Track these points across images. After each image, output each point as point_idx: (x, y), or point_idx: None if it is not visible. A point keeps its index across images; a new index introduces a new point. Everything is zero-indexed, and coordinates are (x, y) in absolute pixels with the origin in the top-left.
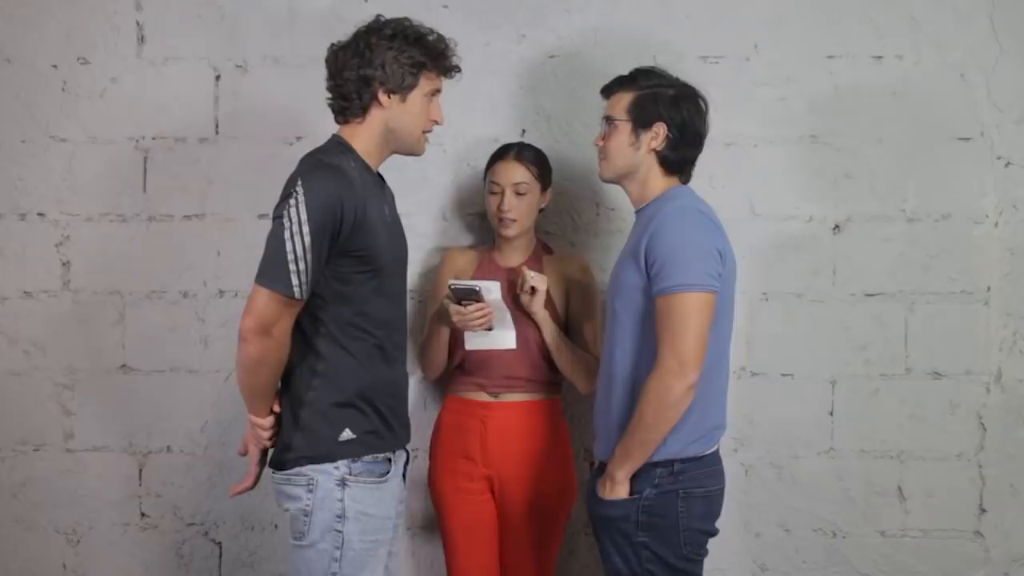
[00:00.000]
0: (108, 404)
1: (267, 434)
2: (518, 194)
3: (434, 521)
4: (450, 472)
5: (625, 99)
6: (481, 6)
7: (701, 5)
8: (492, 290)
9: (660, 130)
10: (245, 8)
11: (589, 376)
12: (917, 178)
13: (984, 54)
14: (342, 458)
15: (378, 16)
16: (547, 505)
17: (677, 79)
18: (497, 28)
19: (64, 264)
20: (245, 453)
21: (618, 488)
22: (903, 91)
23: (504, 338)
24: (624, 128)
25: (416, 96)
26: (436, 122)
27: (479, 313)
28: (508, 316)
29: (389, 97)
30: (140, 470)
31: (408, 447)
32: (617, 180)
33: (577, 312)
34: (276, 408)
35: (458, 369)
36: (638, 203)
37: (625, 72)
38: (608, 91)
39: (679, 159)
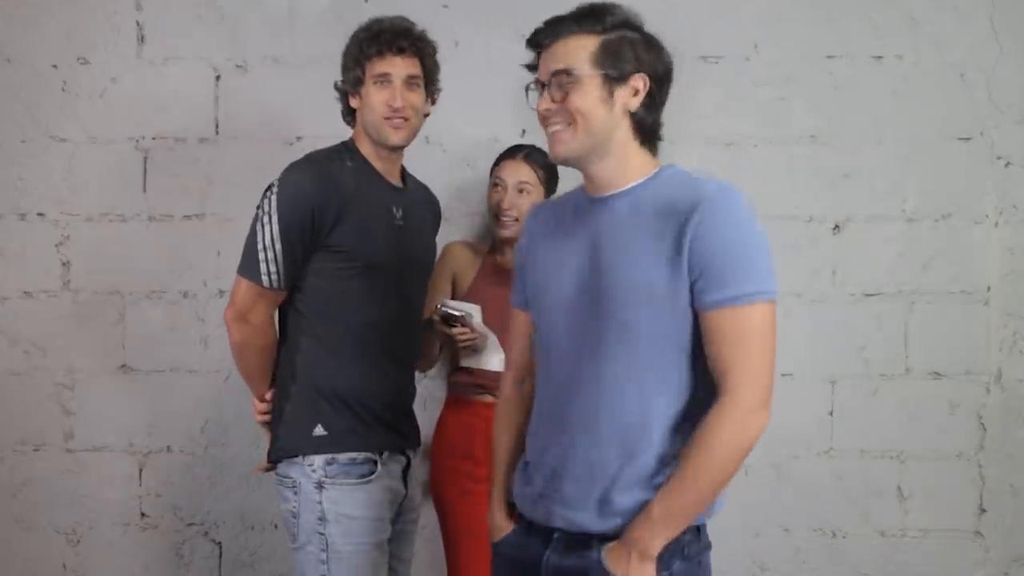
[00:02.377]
0: (108, 404)
1: (260, 418)
2: (520, 192)
3: (434, 521)
4: (452, 473)
5: (587, 45)
6: (481, 6)
7: (701, 5)
8: (474, 314)
9: (640, 84)
10: (245, 8)
11: None
12: (917, 178)
13: (984, 54)
14: (314, 453)
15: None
16: None
17: (639, 21)
18: (497, 28)
19: (64, 264)
20: None
21: (645, 568)
22: (903, 91)
23: (490, 361)
24: (592, 82)
25: (368, 87)
26: (391, 106)
27: (464, 337)
28: (493, 339)
29: (355, 97)
30: (140, 470)
31: (417, 452)
32: (586, 156)
33: None
34: (268, 396)
35: (461, 370)
36: (610, 185)
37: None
38: (550, 35)
39: (652, 125)
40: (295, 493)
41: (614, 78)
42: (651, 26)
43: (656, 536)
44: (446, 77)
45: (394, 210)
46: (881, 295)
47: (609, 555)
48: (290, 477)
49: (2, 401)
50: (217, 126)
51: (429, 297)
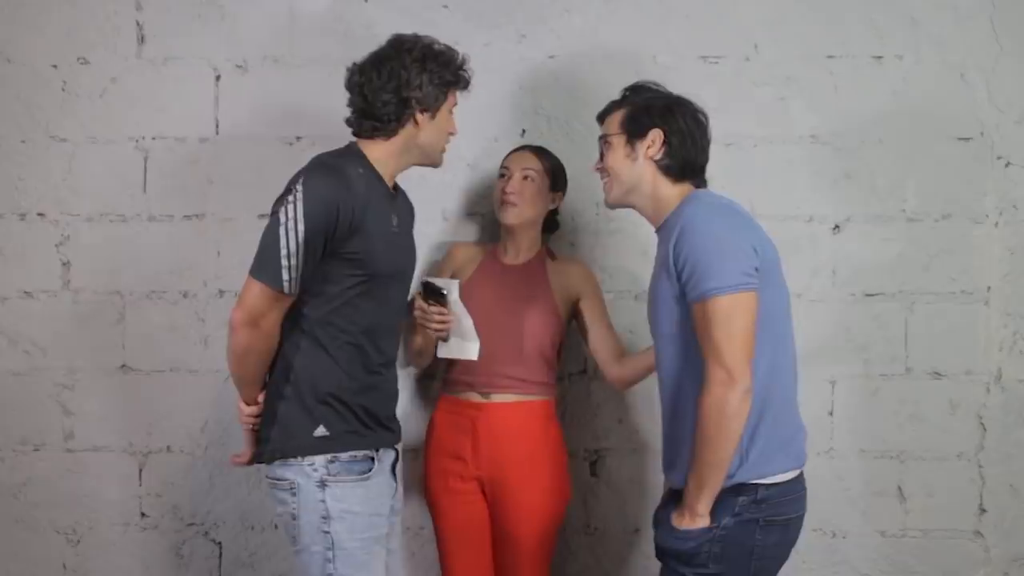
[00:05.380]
0: (108, 404)
1: (250, 422)
2: (525, 179)
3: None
4: (441, 472)
5: (618, 116)
6: (481, 6)
7: (701, 5)
8: (451, 290)
9: (656, 136)
10: (245, 8)
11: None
12: (917, 178)
13: (984, 54)
14: (316, 454)
15: (397, 36)
16: (539, 506)
17: (670, 92)
18: (497, 28)
19: (64, 264)
20: None
21: (699, 520)
22: (903, 91)
23: (465, 348)
24: (619, 142)
25: (443, 112)
26: (452, 133)
27: (439, 317)
28: (469, 325)
29: (423, 115)
30: (140, 470)
31: (401, 446)
32: (625, 200)
33: (593, 318)
34: (260, 399)
35: (452, 368)
36: (656, 220)
37: (625, 72)
38: (602, 116)
39: (682, 165)
40: (293, 495)
41: (634, 135)
42: (651, 26)
43: (697, 500)
44: None
45: (391, 217)
46: (881, 295)
47: (674, 512)
48: (286, 479)
49: (2, 401)
50: (217, 126)
51: None
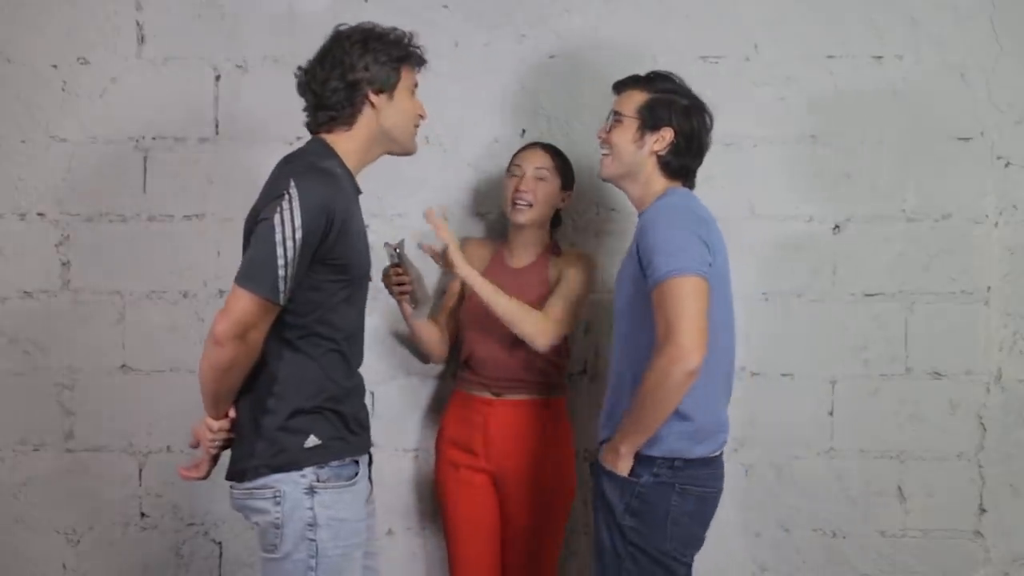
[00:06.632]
0: (108, 404)
1: (220, 437)
2: (538, 179)
3: (435, 521)
4: (453, 465)
5: (638, 98)
6: (481, 6)
7: (701, 5)
8: (401, 246)
9: (667, 135)
10: (245, 8)
11: (527, 322)
12: (917, 178)
13: (984, 54)
14: (308, 464)
15: (338, 26)
16: (546, 503)
17: (690, 90)
18: (497, 28)
19: (64, 264)
20: (196, 445)
21: (621, 461)
22: (903, 91)
23: (419, 312)
24: (631, 125)
25: (401, 92)
26: (422, 116)
27: (396, 279)
28: (420, 276)
29: (378, 96)
30: (140, 470)
31: (405, 447)
32: (618, 178)
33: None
34: (232, 413)
35: (465, 366)
36: (640, 205)
37: (625, 72)
38: (621, 87)
39: (679, 166)
40: (277, 503)
41: (647, 125)
42: (651, 26)
43: (621, 442)
44: (446, 77)
45: (360, 215)
46: (881, 295)
47: (604, 446)
48: (269, 488)
49: (2, 401)
50: (217, 126)
51: (445, 298)
